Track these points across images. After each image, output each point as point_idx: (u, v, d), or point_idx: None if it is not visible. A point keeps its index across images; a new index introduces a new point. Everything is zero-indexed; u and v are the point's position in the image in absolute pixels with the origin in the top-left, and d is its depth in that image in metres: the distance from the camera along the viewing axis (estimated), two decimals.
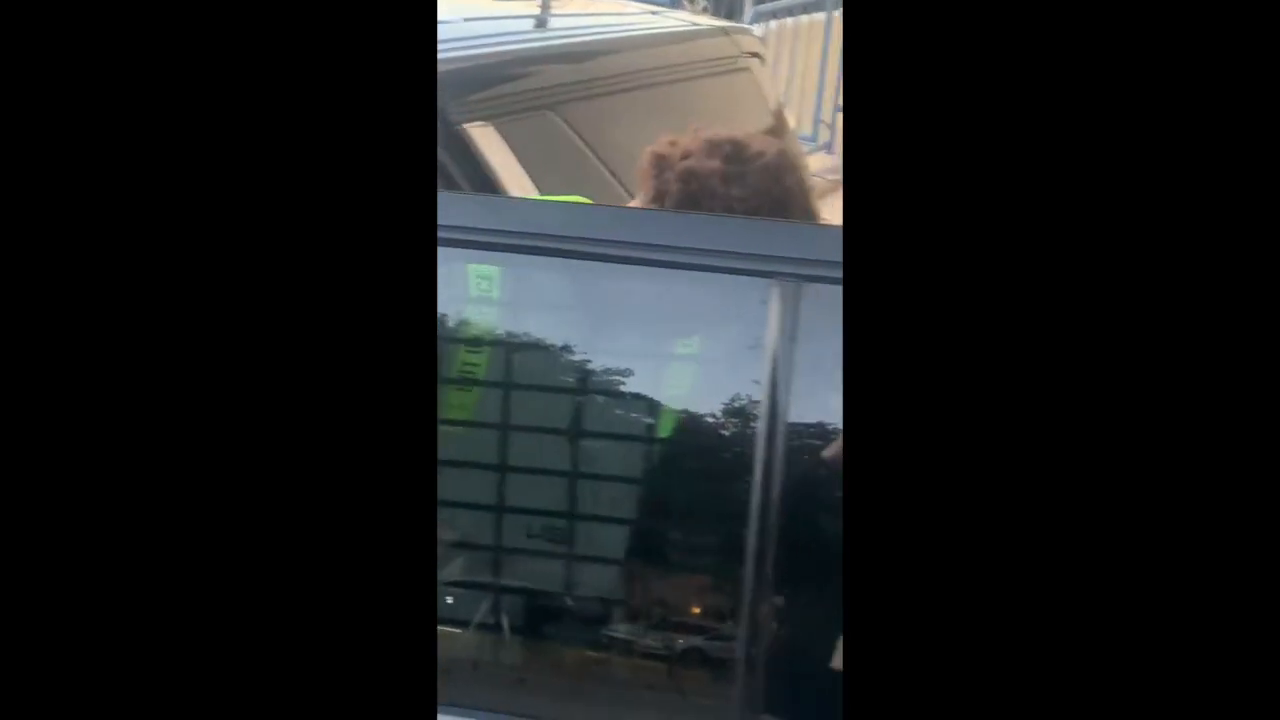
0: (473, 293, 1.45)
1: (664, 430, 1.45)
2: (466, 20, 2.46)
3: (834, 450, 1.33)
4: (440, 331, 1.41)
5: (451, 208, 1.26)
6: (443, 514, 1.24)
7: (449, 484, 1.24)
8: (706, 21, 3.94)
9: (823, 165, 6.06)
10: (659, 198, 1.61)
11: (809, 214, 1.69)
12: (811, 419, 1.35)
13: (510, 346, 1.48)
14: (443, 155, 1.99)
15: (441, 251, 1.03)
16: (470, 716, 1.33)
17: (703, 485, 1.47)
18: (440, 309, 1.32)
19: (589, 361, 1.46)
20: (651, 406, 1.45)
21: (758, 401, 1.33)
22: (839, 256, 1.31)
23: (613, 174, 2.34)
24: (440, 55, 1.15)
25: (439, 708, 0.95)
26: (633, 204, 1.78)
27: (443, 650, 1.13)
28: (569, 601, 1.48)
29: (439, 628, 1.34)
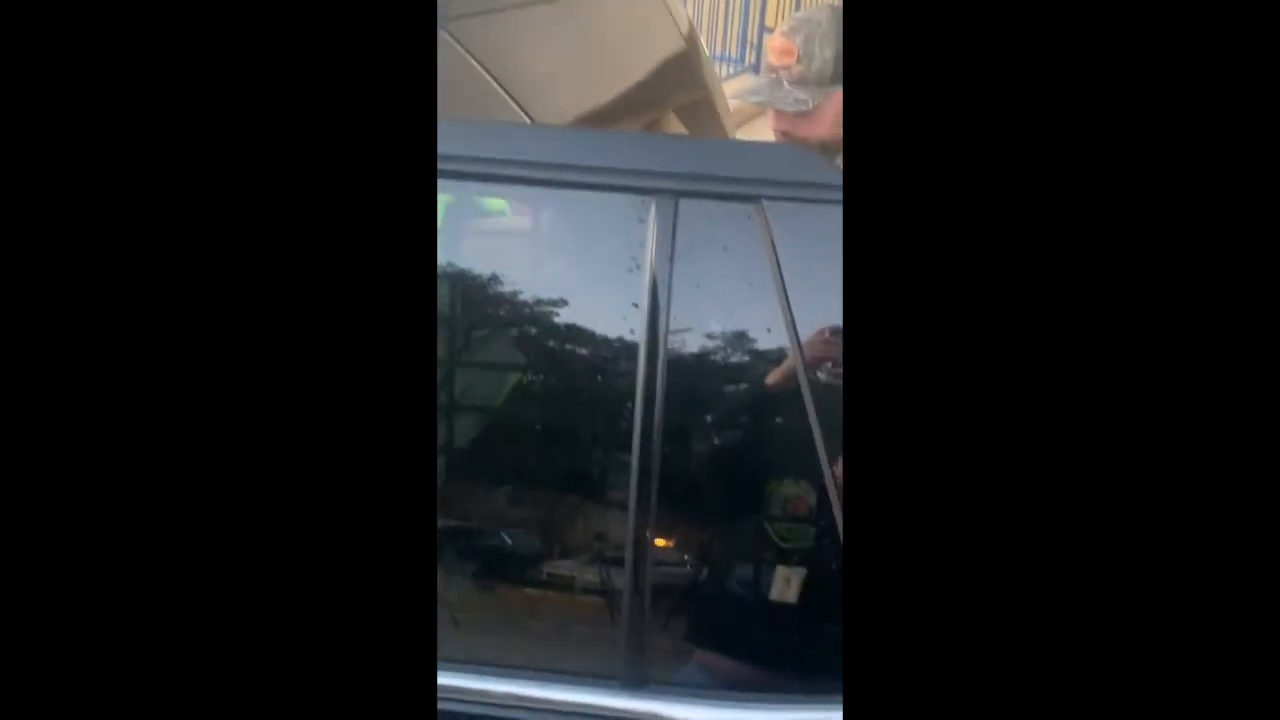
0: None
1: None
2: None
3: (776, 376, 1.30)
4: None
5: None
6: None
7: None
8: None
9: (747, 87, 6.02)
10: None
11: None
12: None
13: None
14: None
15: None
16: None
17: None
18: None
19: (485, 288, 1.41)
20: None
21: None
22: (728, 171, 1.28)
23: (511, 97, 2.26)
24: None
25: None
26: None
27: None
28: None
29: None
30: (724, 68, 6.02)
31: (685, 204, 1.27)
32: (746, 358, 1.34)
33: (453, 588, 1.45)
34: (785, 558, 1.32)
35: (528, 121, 2.22)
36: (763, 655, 1.37)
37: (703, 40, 5.71)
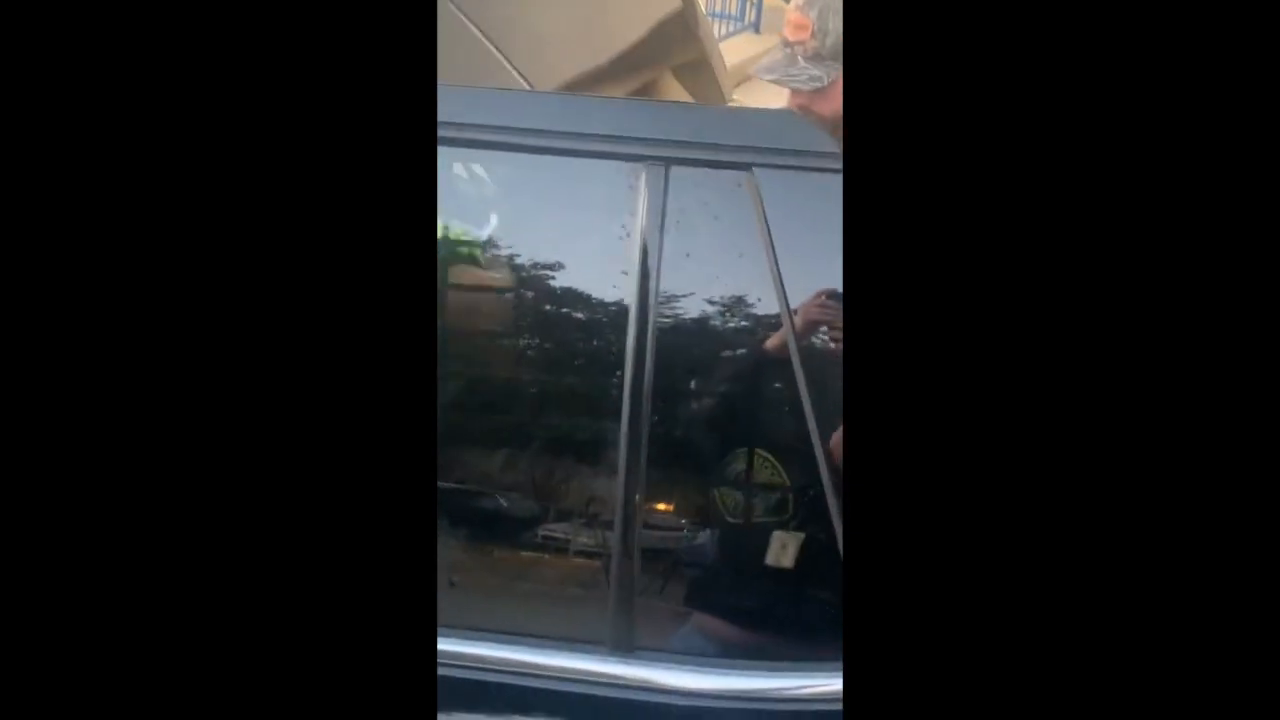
0: None
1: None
2: None
3: (775, 341, 1.31)
4: None
5: None
6: None
7: None
8: None
9: (749, 46, 5.98)
10: None
11: None
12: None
13: None
14: None
15: None
16: None
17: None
18: None
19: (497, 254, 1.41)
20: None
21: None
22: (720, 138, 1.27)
23: (508, 60, 2.25)
24: None
25: None
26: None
27: None
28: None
29: None
30: (723, 25, 5.97)
31: (676, 171, 1.27)
32: (739, 323, 1.34)
33: (448, 550, 1.46)
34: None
35: (524, 84, 2.21)
36: (757, 620, 1.37)
37: None
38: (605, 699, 1.32)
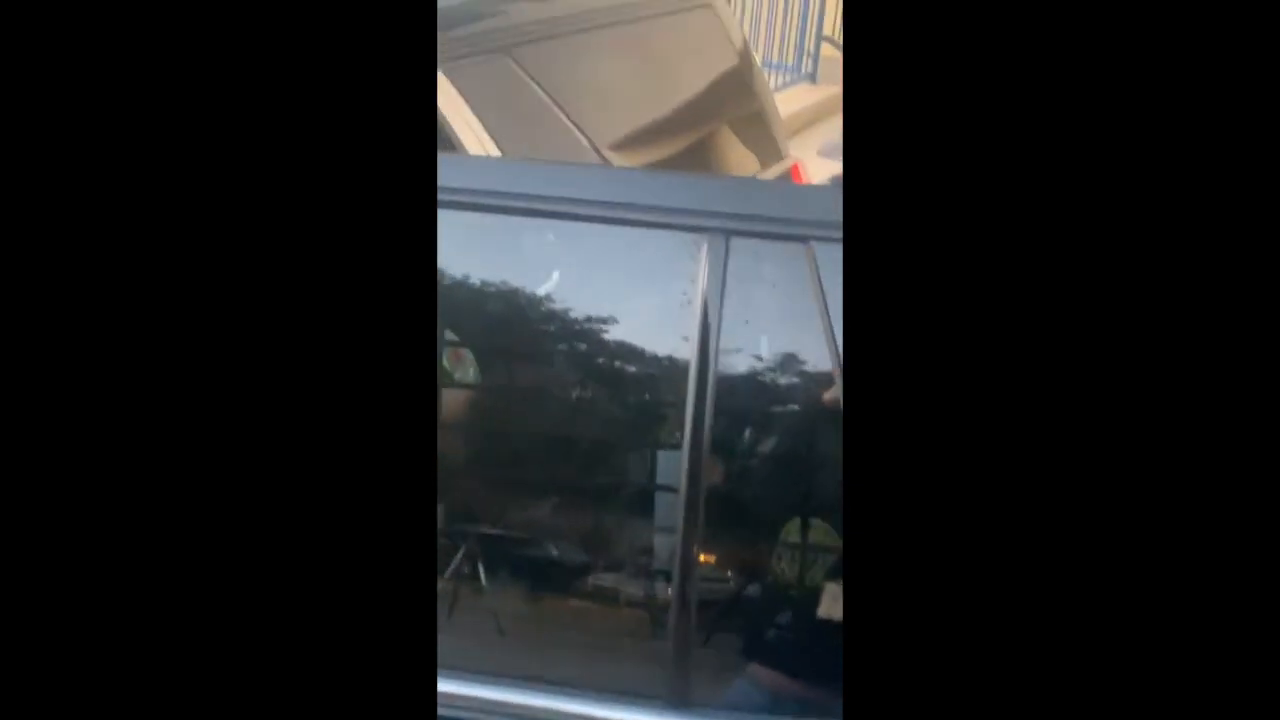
0: None
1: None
2: None
3: (832, 395, 1.33)
4: None
5: None
6: None
7: None
8: None
9: (805, 96, 6.01)
10: None
11: None
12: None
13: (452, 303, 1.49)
14: None
15: None
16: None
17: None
18: None
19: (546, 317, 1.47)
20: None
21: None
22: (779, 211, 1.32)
23: (572, 121, 2.30)
24: None
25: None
26: None
27: None
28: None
29: None
30: (779, 76, 6.00)
31: (736, 242, 1.32)
32: (793, 379, 1.39)
33: (502, 599, 1.51)
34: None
35: (584, 141, 2.26)
36: (810, 673, 1.39)
37: (759, 47, 5.72)
38: None
